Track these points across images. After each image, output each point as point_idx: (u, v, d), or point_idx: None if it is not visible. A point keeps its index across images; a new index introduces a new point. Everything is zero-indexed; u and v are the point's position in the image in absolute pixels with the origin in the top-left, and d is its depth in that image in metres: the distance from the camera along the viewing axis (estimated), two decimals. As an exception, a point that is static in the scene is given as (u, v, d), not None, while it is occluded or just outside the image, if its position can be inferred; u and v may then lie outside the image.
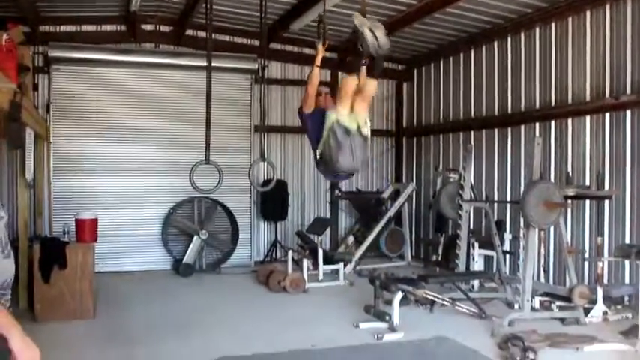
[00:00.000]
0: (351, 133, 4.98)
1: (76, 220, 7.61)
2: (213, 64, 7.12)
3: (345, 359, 5.70)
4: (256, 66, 10.82)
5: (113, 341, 6.27)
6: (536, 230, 7.19)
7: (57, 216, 10.18)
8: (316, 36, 5.55)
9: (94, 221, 7.71)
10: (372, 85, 5.14)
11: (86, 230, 7.53)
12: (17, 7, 8.90)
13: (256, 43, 10.66)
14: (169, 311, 7.71)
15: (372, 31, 4.96)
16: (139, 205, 10.84)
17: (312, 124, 5.37)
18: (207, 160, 6.87)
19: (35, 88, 10.11)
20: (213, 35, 7.16)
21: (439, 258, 10.37)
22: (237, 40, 11.49)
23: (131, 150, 10.84)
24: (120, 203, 10.70)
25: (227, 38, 11.39)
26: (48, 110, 10.35)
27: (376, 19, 5.37)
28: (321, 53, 5.33)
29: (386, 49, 5.05)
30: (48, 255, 7.10)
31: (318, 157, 5.23)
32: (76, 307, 7.13)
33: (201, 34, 10.52)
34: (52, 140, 10.31)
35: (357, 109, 5.03)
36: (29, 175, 8.25)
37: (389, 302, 6.89)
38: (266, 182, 10.19)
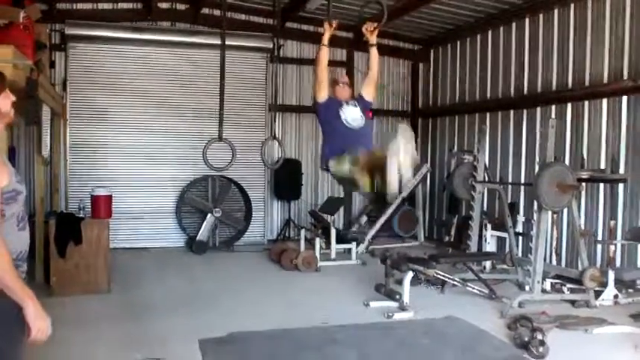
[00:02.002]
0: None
1: (92, 197, 7.72)
2: (228, 43, 7.11)
3: (355, 337, 5.71)
4: (271, 45, 10.79)
5: (127, 315, 6.39)
6: (549, 213, 7.18)
7: (72, 192, 10.31)
8: (326, 14, 5.45)
9: (109, 198, 7.80)
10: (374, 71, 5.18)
11: (101, 206, 7.62)
12: (34, -16, 8.93)
13: (272, 21, 10.62)
14: (182, 287, 7.80)
15: None
16: (153, 183, 10.94)
17: (326, 114, 5.22)
18: (220, 138, 6.89)
19: (52, 65, 10.19)
20: (228, 13, 7.15)
21: (452, 239, 10.37)
22: (253, 18, 11.46)
23: (146, 128, 10.92)
24: (135, 180, 10.81)
25: (243, 17, 11.35)
26: (64, 88, 10.44)
27: None
28: (328, 32, 5.12)
29: None
30: (63, 230, 7.22)
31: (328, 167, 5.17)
32: (91, 282, 7.26)
33: (217, 12, 10.52)
34: (68, 117, 10.40)
35: (364, 92, 5.04)
36: (46, 152, 8.34)
37: (400, 282, 6.93)
38: (279, 161, 10.21)
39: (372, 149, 4.97)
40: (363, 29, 5.15)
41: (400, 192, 4.73)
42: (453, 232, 10.43)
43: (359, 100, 5.26)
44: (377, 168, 4.68)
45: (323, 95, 5.18)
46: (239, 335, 5.66)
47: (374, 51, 5.23)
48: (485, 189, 9.19)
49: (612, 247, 7.24)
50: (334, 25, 5.13)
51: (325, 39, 5.12)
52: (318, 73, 5.13)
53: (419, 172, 11.47)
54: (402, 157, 4.39)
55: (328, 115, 5.17)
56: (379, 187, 4.71)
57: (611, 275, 6.99)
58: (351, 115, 5.11)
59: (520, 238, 8.97)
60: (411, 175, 4.84)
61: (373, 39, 5.19)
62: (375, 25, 5.11)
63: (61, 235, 7.19)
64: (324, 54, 5.11)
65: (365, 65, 5.95)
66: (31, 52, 6.59)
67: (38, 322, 2.51)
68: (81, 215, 7.53)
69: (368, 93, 5.30)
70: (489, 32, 10.63)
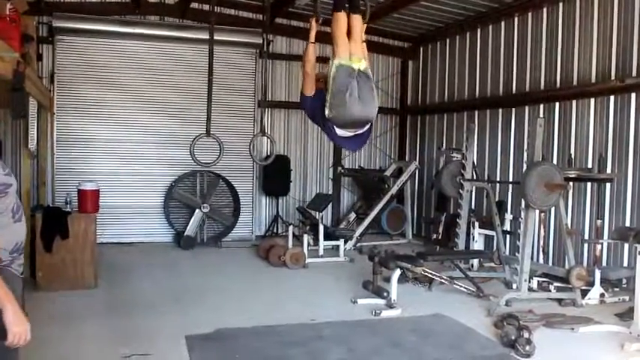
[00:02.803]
0: (353, 75, 4.76)
1: (79, 191, 7.67)
2: (216, 38, 7.09)
3: (343, 334, 5.75)
4: (261, 40, 10.75)
5: (113, 311, 6.35)
6: (536, 211, 7.21)
7: (59, 186, 10.22)
8: (312, 12, 5.41)
9: (96, 192, 7.75)
10: (356, 20, 5.00)
11: (88, 201, 7.57)
12: (22, -25, 8.83)
13: (261, 17, 10.58)
14: (170, 283, 7.77)
15: None
16: (141, 177, 10.89)
17: (314, 105, 5.14)
18: (207, 133, 6.87)
19: (39, 58, 10.09)
20: (217, 8, 7.11)
21: (439, 237, 10.39)
22: (243, 13, 11.41)
23: (134, 122, 10.86)
24: (122, 175, 10.75)
25: (232, 12, 11.31)
26: (52, 81, 10.35)
27: None
28: (314, 29, 5.10)
29: None
30: (50, 224, 7.16)
31: (327, 112, 4.95)
32: (78, 277, 7.20)
33: (206, 6, 10.43)
34: (55, 111, 10.32)
35: (353, 50, 4.89)
36: (32, 145, 8.26)
37: (387, 279, 6.94)
38: (268, 157, 10.18)
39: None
40: None
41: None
42: (441, 230, 10.44)
43: None
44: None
45: (311, 90, 5.13)
46: (226, 331, 5.68)
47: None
48: (474, 187, 9.22)
49: (599, 247, 7.30)
50: (320, 22, 5.11)
51: (312, 36, 5.10)
52: (306, 70, 5.08)
53: (407, 169, 11.50)
54: None
55: (315, 110, 5.14)
56: None
57: (598, 274, 7.03)
58: None
59: (508, 236, 9.00)
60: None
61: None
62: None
63: (48, 229, 7.13)
64: (311, 51, 5.07)
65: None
66: (18, 45, 6.51)
67: (16, 327, 2.45)
68: (68, 209, 7.47)
69: None
70: (478, 30, 10.66)
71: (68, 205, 7.58)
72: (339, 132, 4.91)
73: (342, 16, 4.77)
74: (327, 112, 4.77)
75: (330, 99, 4.72)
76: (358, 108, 4.65)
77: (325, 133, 5.18)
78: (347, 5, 4.88)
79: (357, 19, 4.88)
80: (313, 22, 5.13)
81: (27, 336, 2.49)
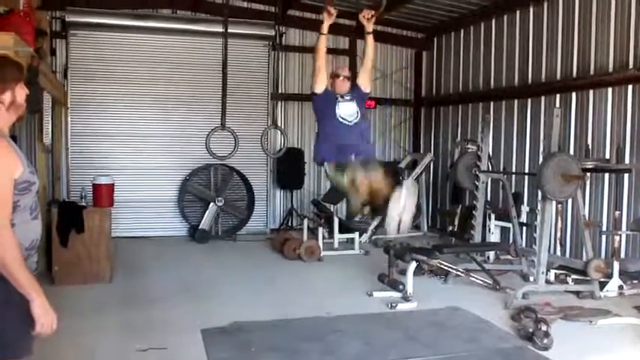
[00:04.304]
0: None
1: (93, 185, 7.69)
2: (229, 31, 7.09)
3: (359, 327, 5.73)
4: (273, 33, 10.73)
5: (129, 304, 6.36)
6: (553, 203, 7.13)
7: (74, 181, 10.27)
8: (323, 3, 5.40)
9: (111, 186, 7.77)
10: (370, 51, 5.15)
11: (103, 195, 7.60)
12: (35, -30, 8.85)
13: (274, 9, 10.54)
14: (185, 276, 7.78)
15: None
16: (155, 171, 10.90)
17: (322, 104, 5.20)
18: (222, 126, 6.87)
19: (53, 53, 10.13)
20: (230, 1, 7.10)
21: (455, 229, 10.33)
22: (255, 6, 11.37)
23: (148, 116, 10.88)
24: (137, 169, 10.78)
25: (244, 4, 11.28)
26: (65, 75, 10.38)
27: None
28: (327, 20, 5.09)
29: None
30: (65, 219, 7.19)
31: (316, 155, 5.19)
32: (93, 271, 7.23)
33: (219, -1, 10.43)
34: (69, 105, 10.35)
35: (360, 81, 5.00)
36: (47, 140, 8.31)
37: (403, 272, 6.90)
38: (281, 150, 10.16)
39: (370, 175, 5.01)
40: (360, 16, 5.12)
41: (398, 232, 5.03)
42: (456, 222, 10.38)
43: (355, 91, 5.23)
44: (373, 196, 4.87)
45: (320, 87, 5.18)
46: (241, 325, 5.67)
47: (370, 39, 5.22)
48: (489, 179, 9.13)
49: (617, 238, 7.18)
50: (334, 13, 5.08)
51: (325, 28, 5.08)
52: (317, 62, 5.09)
53: (422, 161, 11.43)
54: (403, 214, 4.64)
55: (324, 108, 5.18)
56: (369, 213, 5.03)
57: (616, 266, 6.94)
58: (346, 111, 5.12)
59: (524, 228, 8.91)
60: (409, 225, 5.03)
61: (370, 26, 5.16)
62: (373, 12, 5.07)
63: (63, 223, 7.16)
64: (323, 43, 5.11)
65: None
66: (32, 40, 6.51)
67: (43, 317, 2.51)
68: (83, 204, 7.50)
69: (363, 83, 5.29)
70: (493, 20, 10.54)
71: (83, 200, 7.61)
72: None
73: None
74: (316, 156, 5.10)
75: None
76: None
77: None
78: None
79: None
80: (326, 14, 5.11)
81: (54, 325, 2.55)
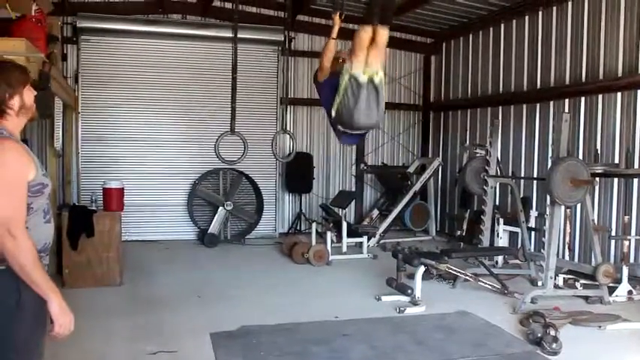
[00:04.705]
0: (364, 86, 4.75)
1: (104, 189, 7.73)
2: (239, 36, 7.11)
3: (367, 331, 5.74)
4: (283, 38, 10.78)
5: (138, 308, 6.40)
6: (562, 207, 7.12)
7: (85, 185, 10.34)
8: (333, 7, 5.39)
9: (121, 190, 7.81)
10: (383, 35, 4.94)
11: (113, 199, 7.64)
12: (46, -24, 8.94)
13: (283, 14, 10.58)
14: (194, 280, 7.81)
15: None
16: (165, 176, 10.96)
17: (327, 90, 5.11)
18: (232, 131, 6.90)
19: (64, 58, 10.23)
20: (239, 6, 7.14)
21: (463, 233, 10.33)
22: (264, 11, 11.42)
23: (158, 121, 10.94)
24: (146, 173, 10.84)
25: (253, 9, 11.33)
26: (76, 80, 10.46)
27: None
28: (337, 25, 5.12)
29: None
30: (76, 223, 7.25)
31: (333, 114, 4.98)
32: (103, 274, 7.28)
33: (228, 4, 10.50)
34: (80, 110, 10.43)
35: (370, 60, 4.84)
36: (58, 145, 8.37)
37: (411, 276, 6.91)
38: (290, 154, 10.20)
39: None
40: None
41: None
42: (464, 227, 10.38)
43: None
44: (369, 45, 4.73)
45: (324, 76, 5.20)
46: (250, 329, 5.70)
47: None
48: (498, 183, 9.13)
49: (626, 243, 7.17)
50: (342, 18, 5.10)
51: (334, 32, 5.10)
52: (323, 61, 5.11)
53: (430, 165, 11.44)
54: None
55: (329, 95, 5.11)
56: None
57: (625, 271, 6.93)
58: None
59: (533, 233, 8.91)
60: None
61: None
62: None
63: (74, 227, 7.23)
64: (332, 46, 5.12)
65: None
66: (44, 45, 6.58)
67: (62, 317, 2.53)
68: (93, 208, 7.56)
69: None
70: (502, 25, 10.55)
71: (93, 204, 7.67)
72: (342, 127, 4.97)
73: (369, 30, 4.69)
74: (333, 113, 4.85)
75: (338, 106, 4.79)
76: (363, 118, 4.77)
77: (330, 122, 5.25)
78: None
79: (384, 30, 4.83)
80: (336, 18, 5.13)
81: (71, 326, 2.57)
